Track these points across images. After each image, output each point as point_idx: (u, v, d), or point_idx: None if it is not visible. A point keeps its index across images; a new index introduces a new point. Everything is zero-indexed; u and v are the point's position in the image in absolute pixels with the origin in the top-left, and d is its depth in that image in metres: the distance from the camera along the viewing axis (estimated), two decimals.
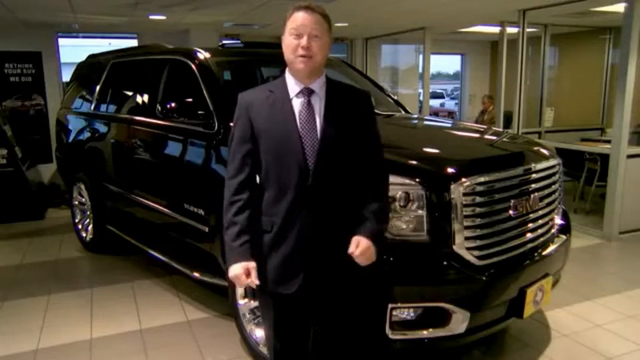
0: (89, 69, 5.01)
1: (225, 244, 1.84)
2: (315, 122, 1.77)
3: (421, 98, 9.04)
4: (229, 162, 1.87)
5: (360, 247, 1.76)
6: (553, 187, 2.80)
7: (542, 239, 2.71)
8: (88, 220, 4.75)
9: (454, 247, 2.31)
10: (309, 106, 1.79)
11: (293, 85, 1.81)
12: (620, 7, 5.11)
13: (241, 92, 1.90)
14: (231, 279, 1.82)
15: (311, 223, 1.77)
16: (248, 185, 1.82)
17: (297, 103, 1.79)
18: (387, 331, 2.30)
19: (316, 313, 1.90)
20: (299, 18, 1.74)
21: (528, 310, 2.54)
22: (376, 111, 3.27)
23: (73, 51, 9.40)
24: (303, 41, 1.73)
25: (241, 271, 1.77)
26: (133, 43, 8.05)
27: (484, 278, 2.33)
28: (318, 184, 1.75)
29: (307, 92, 1.80)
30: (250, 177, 1.82)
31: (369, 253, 1.78)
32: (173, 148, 3.42)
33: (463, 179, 2.34)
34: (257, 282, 1.79)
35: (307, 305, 1.88)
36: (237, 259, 1.79)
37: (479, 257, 2.36)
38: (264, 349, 2.68)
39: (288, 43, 1.76)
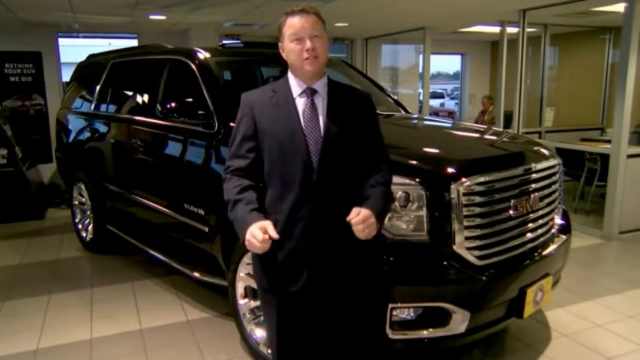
0: (89, 69, 5.00)
1: (235, 221, 1.79)
2: (319, 120, 1.79)
3: (421, 98, 9.05)
4: (231, 156, 1.88)
5: (361, 214, 1.70)
6: (553, 187, 2.80)
7: (542, 239, 2.71)
8: (88, 220, 4.75)
9: (454, 247, 2.32)
10: (312, 106, 1.81)
11: (296, 86, 1.84)
12: (620, 7, 5.12)
13: (244, 92, 1.92)
14: (251, 247, 1.71)
15: (315, 219, 1.78)
16: (251, 175, 1.84)
17: (301, 103, 1.82)
18: (387, 330, 2.30)
19: (318, 311, 1.90)
20: (296, 22, 1.76)
21: (528, 310, 2.54)
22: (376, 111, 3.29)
23: (73, 51, 9.41)
24: (307, 44, 1.75)
25: (260, 231, 1.68)
26: (133, 43, 8.05)
27: (484, 278, 2.33)
28: (322, 180, 1.76)
29: (310, 92, 1.82)
30: (250, 173, 1.84)
31: (369, 223, 1.71)
32: (173, 148, 3.42)
33: (463, 179, 2.34)
34: (275, 235, 1.70)
35: (310, 303, 1.88)
36: (250, 222, 1.72)
37: (479, 257, 2.36)
38: (264, 349, 2.68)
39: (291, 48, 1.78)
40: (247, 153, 1.84)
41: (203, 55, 3.41)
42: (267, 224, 1.71)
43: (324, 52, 1.79)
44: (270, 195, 1.82)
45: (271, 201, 1.82)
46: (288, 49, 1.79)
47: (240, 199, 1.79)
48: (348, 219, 1.70)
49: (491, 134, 3.34)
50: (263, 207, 1.83)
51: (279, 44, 1.85)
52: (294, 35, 1.76)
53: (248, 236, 1.70)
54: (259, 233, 1.67)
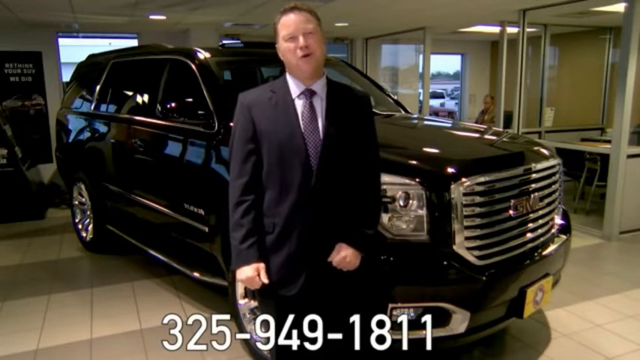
0: (89, 69, 5.00)
1: (232, 246, 1.84)
2: (318, 123, 1.78)
3: (421, 98, 9.05)
4: (232, 163, 1.87)
5: (339, 254, 1.80)
6: (553, 187, 2.80)
7: (542, 239, 2.71)
8: (88, 220, 4.75)
9: (454, 247, 2.31)
10: (311, 108, 1.80)
11: (294, 87, 1.82)
12: (620, 7, 5.11)
13: (242, 92, 1.90)
14: (241, 281, 1.83)
15: (313, 223, 1.77)
16: (253, 186, 1.82)
17: (300, 104, 1.80)
18: (387, 330, 2.29)
19: (317, 313, 1.90)
20: (289, 21, 1.76)
21: (528, 310, 2.54)
22: (376, 111, 3.29)
23: (73, 51, 9.42)
24: (301, 41, 1.74)
25: (253, 273, 1.78)
26: (133, 43, 8.06)
27: (484, 278, 2.33)
28: (321, 184, 1.75)
29: (309, 93, 1.81)
30: (254, 178, 1.82)
31: (347, 261, 1.80)
32: (173, 148, 3.42)
33: (463, 179, 2.34)
34: (266, 281, 1.80)
35: (309, 306, 1.87)
36: (246, 260, 1.80)
37: (479, 257, 2.36)
38: (264, 349, 2.68)
39: (286, 47, 1.78)
40: (248, 159, 1.81)
41: (203, 55, 3.41)
42: (261, 268, 1.79)
43: (319, 49, 1.77)
44: (268, 197, 1.80)
45: (269, 203, 1.80)
46: (283, 48, 1.79)
47: (242, 224, 1.80)
48: (328, 259, 1.80)
49: (491, 134, 3.34)
50: (262, 208, 1.82)
51: (276, 46, 1.84)
52: (288, 35, 1.76)
53: (242, 276, 1.81)
54: (256, 280, 1.79)
